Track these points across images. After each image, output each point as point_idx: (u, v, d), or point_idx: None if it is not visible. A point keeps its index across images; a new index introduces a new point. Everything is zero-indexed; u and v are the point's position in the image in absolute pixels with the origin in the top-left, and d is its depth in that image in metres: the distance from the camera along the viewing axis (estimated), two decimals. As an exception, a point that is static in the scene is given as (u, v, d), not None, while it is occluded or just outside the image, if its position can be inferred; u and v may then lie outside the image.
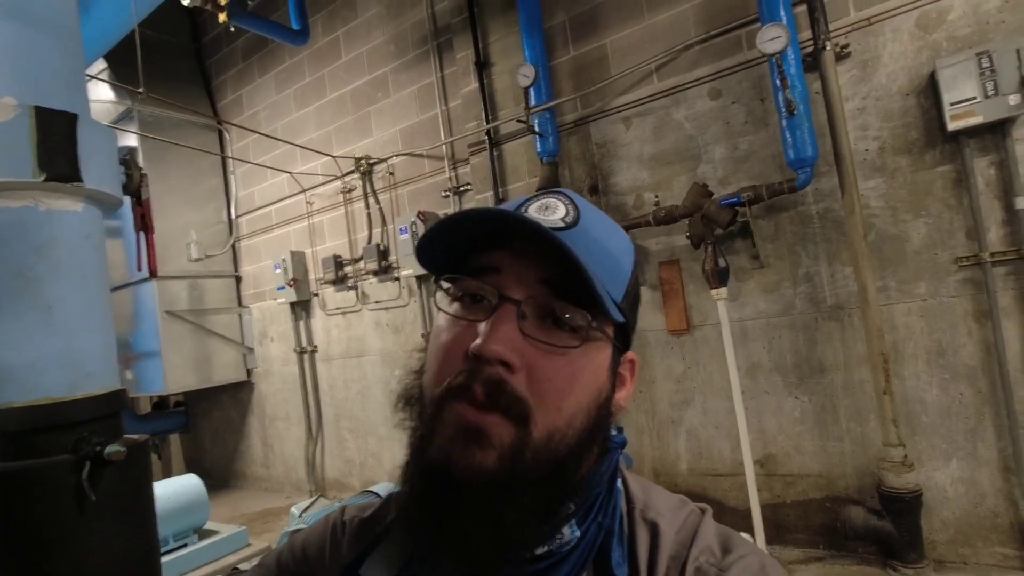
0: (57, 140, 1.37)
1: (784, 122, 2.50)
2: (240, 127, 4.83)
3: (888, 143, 2.50)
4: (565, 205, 0.48)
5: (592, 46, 3.23)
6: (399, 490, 0.48)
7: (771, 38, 2.37)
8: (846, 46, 2.54)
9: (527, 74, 2.95)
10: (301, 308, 4.73)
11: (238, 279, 5.26)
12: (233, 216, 5.08)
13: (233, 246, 5.17)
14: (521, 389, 0.43)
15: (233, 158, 4.91)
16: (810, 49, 2.56)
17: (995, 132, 2.29)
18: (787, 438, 2.78)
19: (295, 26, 3.70)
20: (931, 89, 2.39)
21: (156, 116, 4.74)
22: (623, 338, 0.50)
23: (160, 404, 5.61)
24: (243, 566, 2.85)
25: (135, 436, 1.41)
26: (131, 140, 4.76)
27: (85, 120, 1.45)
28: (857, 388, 2.61)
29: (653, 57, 3.02)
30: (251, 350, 5.14)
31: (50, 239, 1.38)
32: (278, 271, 4.62)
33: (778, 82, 2.44)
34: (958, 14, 2.34)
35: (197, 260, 4.64)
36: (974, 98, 2.23)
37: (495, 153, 3.48)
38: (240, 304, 5.23)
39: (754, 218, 2.70)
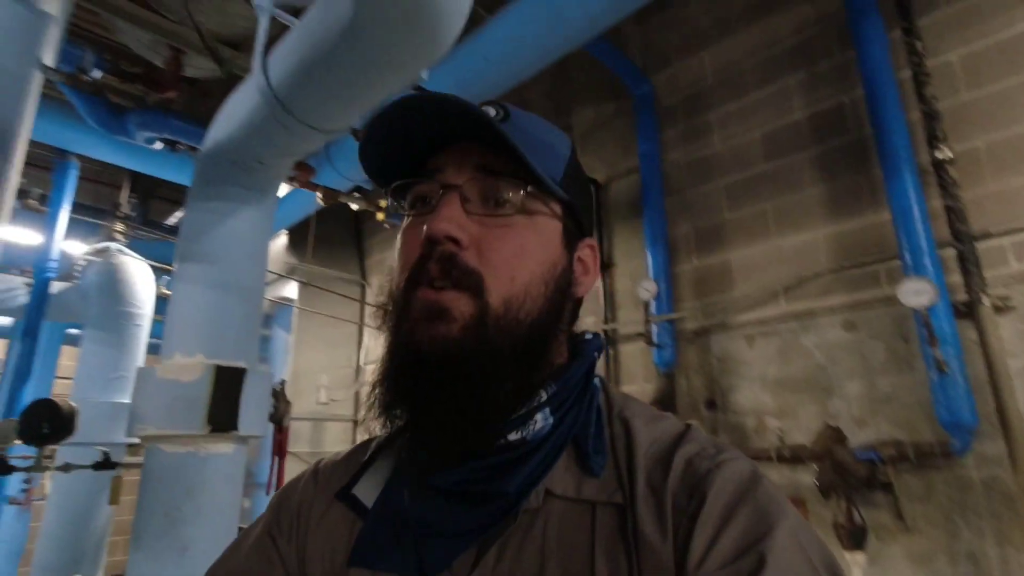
0: (226, 394, 1.58)
1: (935, 378, 2.27)
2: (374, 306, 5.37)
3: (1070, 414, 2.16)
4: (496, 108, 0.50)
5: (716, 259, 3.27)
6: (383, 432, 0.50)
7: (915, 292, 2.24)
8: (1007, 298, 2.32)
9: (648, 288, 3.02)
10: (407, 464, 4.85)
11: (355, 423, 5.56)
12: (361, 363, 5.50)
13: (356, 392, 5.54)
14: (472, 262, 0.44)
15: (365, 324, 5.42)
16: (963, 298, 2.37)
17: None
18: None
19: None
20: (1123, 362, 2.07)
21: (315, 271, 5.44)
22: (574, 221, 0.52)
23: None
24: None
25: None
26: (292, 289, 5.48)
27: (251, 369, 1.68)
28: None
29: (780, 279, 2.98)
30: (355, 496, 5.28)
31: (200, 482, 1.55)
32: (391, 424, 4.83)
33: (925, 335, 2.26)
34: None
35: (324, 404, 5.01)
36: None
37: (611, 352, 3.51)
38: (353, 448, 5.48)
39: (898, 474, 2.39)
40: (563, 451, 0.46)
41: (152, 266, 3.40)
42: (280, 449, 1.85)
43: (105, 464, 1.88)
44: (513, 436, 0.45)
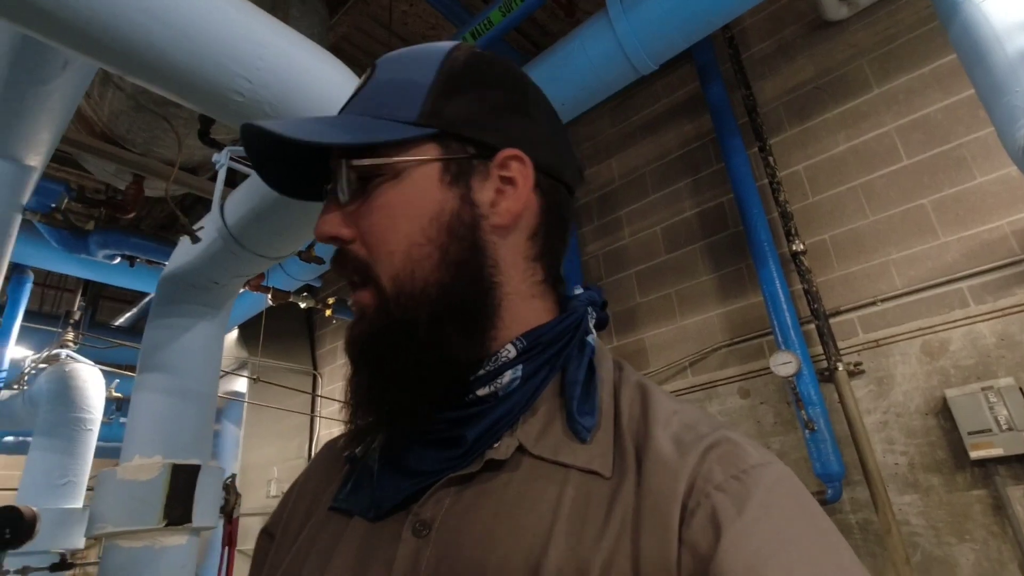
0: (181, 489, 1.79)
1: (807, 435, 2.66)
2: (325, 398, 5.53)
3: (917, 460, 2.56)
4: (366, 75, 0.50)
5: (632, 339, 3.68)
6: None
7: (782, 363, 2.66)
8: (859, 363, 2.77)
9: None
10: (358, 554, 4.85)
11: (306, 516, 5.53)
12: (313, 453, 5.55)
13: (307, 482, 5.55)
14: (360, 253, 0.45)
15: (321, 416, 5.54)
16: (825, 365, 2.81)
17: (1023, 462, 2.32)
18: None
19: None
20: (947, 413, 2.51)
21: (266, 364, 5.58)
22: (470, 144, 0.46)
23: (210, 642, 5.56)
24: None
25: None
26: (242, 383, 5.58)
27: (204, 465, 1.89)
28: None
29: (686, 355, 3.39)
30: (305, 593, 5.17)
31: (155, 573, 1.73)
32: (342, 514, 4.87)
33: (794, 401, 2.66)
34: (958, 346, 2.56)
35: (274, 497, 5.01)
36: (990, 430, 2.33)
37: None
38: (303, 542, 5.41)
39: (791, 524, 2.71)
40: (532, 402, 0.45)
41: (102, 370, 3.54)
42: (231, 540, 2.02)
43: (62, 565, 2.00)
44: (482, 391, 0.44)
